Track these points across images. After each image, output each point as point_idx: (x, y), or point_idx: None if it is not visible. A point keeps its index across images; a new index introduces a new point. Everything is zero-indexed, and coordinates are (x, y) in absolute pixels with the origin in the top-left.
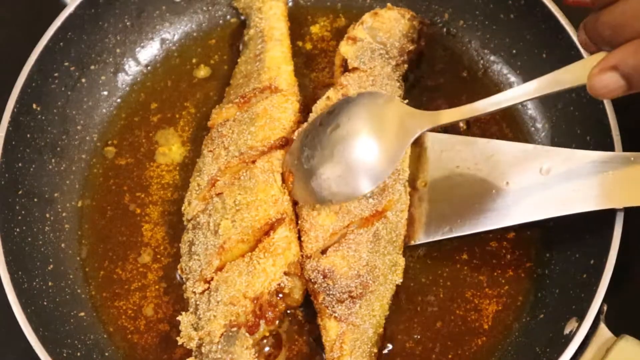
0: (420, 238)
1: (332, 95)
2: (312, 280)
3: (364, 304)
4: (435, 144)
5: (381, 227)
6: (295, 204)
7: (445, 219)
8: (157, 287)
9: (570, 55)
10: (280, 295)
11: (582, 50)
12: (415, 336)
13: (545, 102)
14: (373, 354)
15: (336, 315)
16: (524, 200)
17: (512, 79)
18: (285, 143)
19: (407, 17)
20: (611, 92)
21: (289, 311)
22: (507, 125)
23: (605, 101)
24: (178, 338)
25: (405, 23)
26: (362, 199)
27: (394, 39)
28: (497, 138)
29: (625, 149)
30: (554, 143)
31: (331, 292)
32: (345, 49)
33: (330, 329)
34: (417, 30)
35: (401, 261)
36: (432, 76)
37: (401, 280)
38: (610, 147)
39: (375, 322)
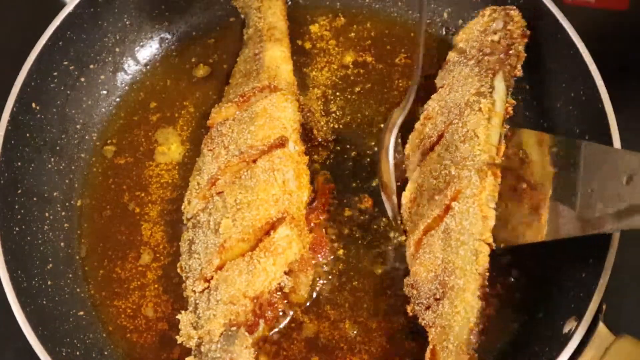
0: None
1: (418, 126)
2: (408, 295)
3: (447, 303)
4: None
5: (449, 221)
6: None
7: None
8: (156, 286)
9: (569, 55)
10: (285, 292)
11: (581, 49)
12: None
13: (544, 100)
14: (468, 350)
15: (425, 322)
16: (609, 208)
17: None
18: (284, 142)
19: (486, 14)
20: None
21: (291, 309)
22: (507, 123)
23: (604, 100)
24: (177, 337)
25: (484, 21)
26: (429, 199)
27: (472, 40)
28: None
29: (624, 149)
30: None
31: (419, 301)
32: (437, 77)
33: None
34: (504, 21)
35: (483, 248)
36: (430, 75)
37: (485, 267)
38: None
39: (460, 319)
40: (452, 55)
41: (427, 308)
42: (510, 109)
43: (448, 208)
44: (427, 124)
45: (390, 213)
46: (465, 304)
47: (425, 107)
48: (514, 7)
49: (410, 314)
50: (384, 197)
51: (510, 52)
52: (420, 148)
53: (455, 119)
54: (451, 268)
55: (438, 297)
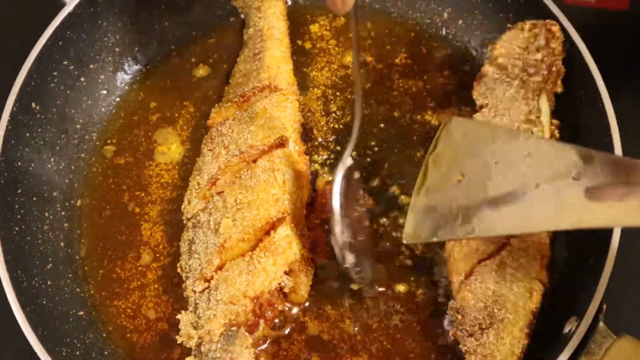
0: (439, 235)
1: None
2: (451, 319)
3: (492, 333)
4: (477, 134)
5: (506, 256)
6: None
7: (469, 218)
8: (156, 286)
9: (569, 55)
10: (285, 292)
11: (581, 49)
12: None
13: None
14: None
15: (466, 348)
16: (549, 206)
17: None
18: (284, 142)
19: (526, 28)
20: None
21: (291, 309)
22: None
23: (604, 100)
24: (177, 337)
25: (524, 36)
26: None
27: (514, 58)
28: None
29: (624, 149)
30: None
31: (462, 327)
32: (474, 90)
33: None
34: (546, 37)
35: (537, 286)
36: (430, 75)
37: (537, 306)
38: (609, 147)
39: (505, 350)
40: (489, 70)
41: (470, 335)
42: (555, 130)
43: (505, 245)
44: None
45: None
46: (512, 337)
47: None
48: (555, 22)
49: (452, 338)
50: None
51: (553, 69)
52: None
53: None
54: (502, 301)
55: (484, 327)
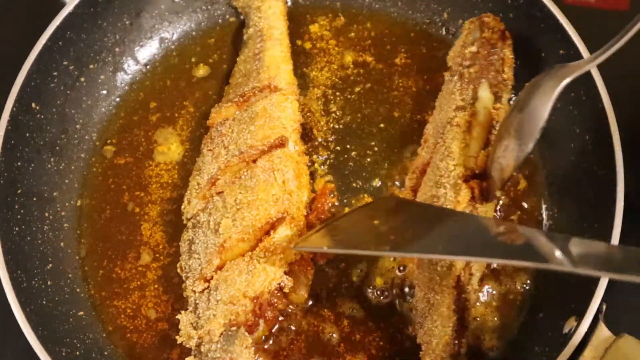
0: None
1: (419, 151)
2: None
3: (429, 320)
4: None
5: None
6: None
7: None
8: (156, 286)
9: (569, 55)
10: (285, 292)
11: (581, 49)
12: (413, 334)
13: None
14: None
15: (419, 340)
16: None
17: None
18: (284, 142)
19: (466, 26)
20: None
21: (291, 309)
22: None
23: (604, 100)
24: (177, 337)
25: (464, 35)
26: None
27: (455, 57)
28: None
29: (624, 149)
30: (553, 142)
31: (418, 320)
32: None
33: None
34: (480, 29)
35: (456, 262)
36: (430, 75)
37: (457, 280)
38: (609, 147)
39: (439, 332)
40: (445, 75)
41: (421, 327)
42: (497, 114)
43: None
44: (424, 147)
45: None
46: (442, 318)
47: (424, 131)
48: (488, 14)
49: (413, 333)
50: None
51: (492, 57)
52: (416, 173)
53: (439, 139)
54: (432, 285)
55: (426, 315)
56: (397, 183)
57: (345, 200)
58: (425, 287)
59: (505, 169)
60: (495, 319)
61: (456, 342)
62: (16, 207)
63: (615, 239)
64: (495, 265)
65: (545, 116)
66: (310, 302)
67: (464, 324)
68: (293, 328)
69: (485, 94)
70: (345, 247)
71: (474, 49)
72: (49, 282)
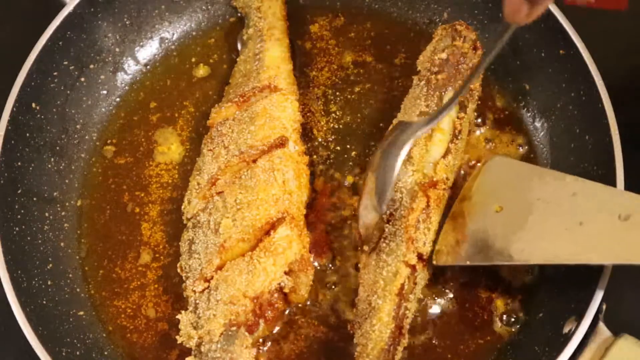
0: (472, 260)
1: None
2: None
3: (368, 323)
4: (521, 173)
5: (382, 242)
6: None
7: (506, 246)
8: (156, 286)
9: (569, 55)
10: (285, 292)
11: (581, 49)
12: (416, 334)
13: (544, 100)
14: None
15: (355, 341)
16: (595, 242)
17: (511, 77)
18: (284, 142)
19: (438, 32)
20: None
21: (291, 309)
22: (506, 123)
23: (604, 100)
24: (177, 337)
25: (435, 40)
26: None
27: (425, 62)
28: (496, 136)
29: (624, 149)
30: (553, 142)
31: (357, 320)
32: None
33: None
34: (452, 37)
35: (402, 269)
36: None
37: (401, 289)
38: (609, 147)
39: (375, 337)
40: (414, 79)
41: (359, 328)
42: (460, 123)
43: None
44: None
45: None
46: (381, 323)
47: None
48: (462, 22)
49: (351, 332)
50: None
51: (461, 66)
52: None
53: None
54: (375, 288)
55: (366, 317)
56: None
57: (345, 200)
58: (369, 289)
59: (369, 226)
60: (494, 318)
61: (391, 348)
62: (16, 207)
63: None
64: None
65: (392, 181)
66: (310, 302)
67: (402, 332)
68: (293, 328)
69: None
70: (487, 259)
71: (443, 56)
72: (49, 282)
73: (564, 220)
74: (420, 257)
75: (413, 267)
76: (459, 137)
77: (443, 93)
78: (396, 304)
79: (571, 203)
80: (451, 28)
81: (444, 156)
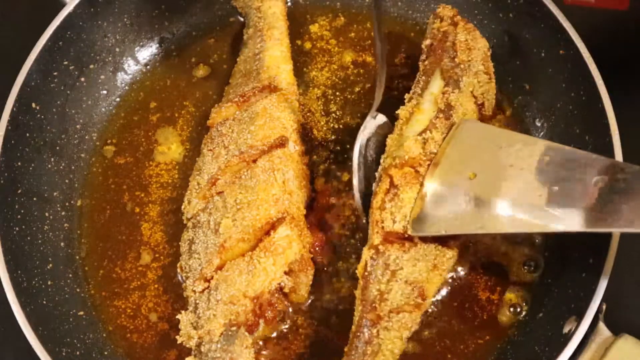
0: (447, 229)
1: None
2: None
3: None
4: (492, 137)
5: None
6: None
7: (479, 214)
8: (156, 286)
9: (569, 55)
10: (285, 292)
11: (581, 49)
12: (417, 334)
13: (544, 100)
14: None
15: None
16: (569, 209)
17: (511, 77)
18: (284, 142)
19: (429, 22)
20: None
21: (291, 309)
22: (506, 123)
23: (604, 100)
24: (177, 337)
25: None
26: None
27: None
28: None
29: (624, 149)
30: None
31: None
32: None
33: None
34: (433, 22)
35: (365, 252)
36: None
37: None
38: (609, 147)
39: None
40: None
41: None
42: (445, 98)
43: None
44: None
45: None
46: (356, 308)
47: None
48: (441, 5)
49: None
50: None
51: (444, 44)
52: None
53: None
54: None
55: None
56: None
57: (345, 200)
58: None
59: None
60: (494, 318)
61: (365, 333)
62: (16, 207)
63: (615, 238)
64: None
65: (355, 171)
66: (310, 302)
67: (379, 316)
68: (293, 328)
69: (436, 81)
70: (463, 227)
71: (428, 42)
72: (49, 282)
73: (537, 187)
74: (387, 238)
75: (376, 248)
76: (449, 112)
77: (430, 77)
78: (361, 286)
79: (544, 168)
80: (433, 15)
81: (423, 132)
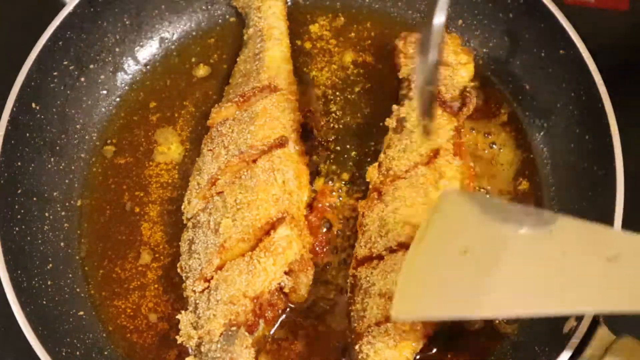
0: (435, 313)
1: None
2: None
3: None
4: (482, 208)
5: None
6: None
7: (479, 295)
8: (156, 286)
9: (569, 55)
10: (285, 292)
11: (581, 49)
12: None
13: (544, 100)
14: None
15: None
16: (582, 286)
17: (511, 77)
18: (284, 142)
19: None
20: None
21: (291, 309)
22: (507, 123)
23: (604, 100)
24: (177, 337)
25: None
26: None
27: None
28: (495, 135)
29: (624, 149)
30: (553, 143)
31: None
32: None
33: None
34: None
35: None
36: None
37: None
38: (609, 147)
39: None
40: None
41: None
42: (393, 117)
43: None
44: None
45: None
46: None
47: None
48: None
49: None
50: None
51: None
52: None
53: None
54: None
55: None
56: None
57: (345, 200)
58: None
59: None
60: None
61: None
62: (16, 207)
63: None
64: None
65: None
66: (310, 302)
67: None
68: (293, 328)
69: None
70: (455, 310)
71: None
72: (49, 282)
73: (543, 264)
74: (359, 263)
75: (352, 275)
76: (401, 125)
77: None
78: (347, 312)
79: (548, 243)
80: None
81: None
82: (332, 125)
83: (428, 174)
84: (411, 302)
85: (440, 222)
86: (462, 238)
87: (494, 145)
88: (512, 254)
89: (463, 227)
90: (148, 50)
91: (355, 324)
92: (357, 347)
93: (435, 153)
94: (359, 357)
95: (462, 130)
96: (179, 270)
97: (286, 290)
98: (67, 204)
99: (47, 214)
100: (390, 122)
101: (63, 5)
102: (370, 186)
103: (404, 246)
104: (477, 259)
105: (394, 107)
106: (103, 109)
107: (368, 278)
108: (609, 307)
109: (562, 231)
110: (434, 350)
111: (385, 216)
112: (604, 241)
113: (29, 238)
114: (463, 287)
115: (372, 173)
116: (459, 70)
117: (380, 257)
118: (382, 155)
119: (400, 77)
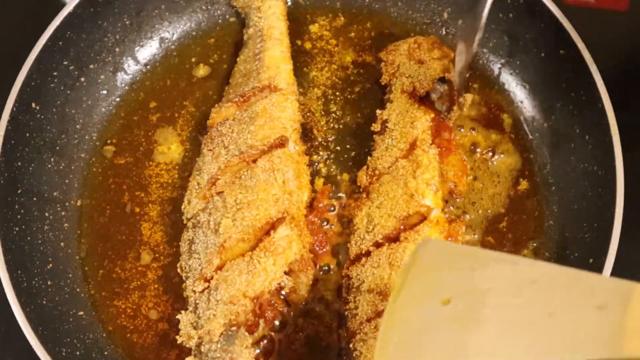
0: None
1: None
2: None
3: None
4: (462, 257)
5: None
6: None
7: (463, 346)
8: (156, 286)
9: (570, 55)
10: (285, 292)
11: (581, 49)
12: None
13: (544, 101)
14: None
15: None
16: (572, 336)
17: (511, 77)
18: (284, 142)
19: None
20: None
21: (291, 309)
22: (507, 124)
23: (604, 100)
24: (177, 337)
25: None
26: None
27: None
28: (496, 136)
29: (624, 149)
30: (553, 142)
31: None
32: None
33: None
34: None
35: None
36: None
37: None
38: (609, 147)
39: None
40: None
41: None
42: (377, 122)
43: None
44: None
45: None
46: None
47: None
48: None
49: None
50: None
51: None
52: None
53: None
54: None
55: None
56: None
57: (345, 200)
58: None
59: (462, 70)
60: None
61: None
62: (16, 207)
63: (615, 239)
64: None
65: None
66: (310, 303)
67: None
68: (293, 328)
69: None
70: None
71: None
72: (49, 282)
73: (529, 313)
74: (351, 262)
75: (345, 275)
76: (384, 126)
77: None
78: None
79: (533, 292)
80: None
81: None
82: (332, 125)
83: (407, 165)
84: (393, 348)
85: (419, 271)
86: (443, 288)
87: (494, 146)
88: (494, 305)
89: (442, 276)
90: (148, 50)
91: (349, 323)
92: (351, 345)
93: (413, 145)
94: (354, 354)
95: (452, 125)
96: (179, 270)
97: (286, 290)
98: (67, 204)
99: (47, 214)
100: (376, 127)
101: (63, 5)
102: (361, 189)
103: (389, 239)
104: (459, 309)
105: (378, 111)
106: (103, 109)
107: (359, 276)
108: (601, 355)
109: (544, 279)
110: None
111: (372, 212)
112: (589, 288)
113: (29, 238)
114: (446, 336)
115: (362, 177)
116: (431, 64)
117: (368, 254)
118: (369, 158)
119: (383, 83)
